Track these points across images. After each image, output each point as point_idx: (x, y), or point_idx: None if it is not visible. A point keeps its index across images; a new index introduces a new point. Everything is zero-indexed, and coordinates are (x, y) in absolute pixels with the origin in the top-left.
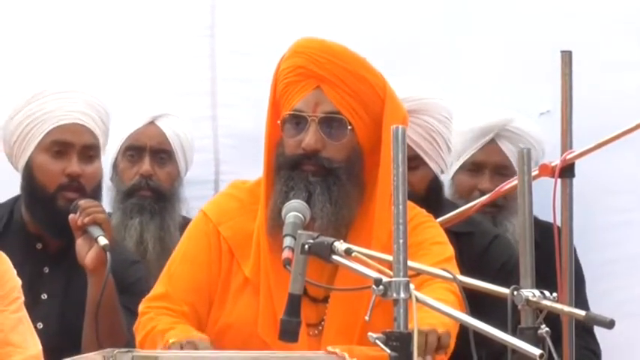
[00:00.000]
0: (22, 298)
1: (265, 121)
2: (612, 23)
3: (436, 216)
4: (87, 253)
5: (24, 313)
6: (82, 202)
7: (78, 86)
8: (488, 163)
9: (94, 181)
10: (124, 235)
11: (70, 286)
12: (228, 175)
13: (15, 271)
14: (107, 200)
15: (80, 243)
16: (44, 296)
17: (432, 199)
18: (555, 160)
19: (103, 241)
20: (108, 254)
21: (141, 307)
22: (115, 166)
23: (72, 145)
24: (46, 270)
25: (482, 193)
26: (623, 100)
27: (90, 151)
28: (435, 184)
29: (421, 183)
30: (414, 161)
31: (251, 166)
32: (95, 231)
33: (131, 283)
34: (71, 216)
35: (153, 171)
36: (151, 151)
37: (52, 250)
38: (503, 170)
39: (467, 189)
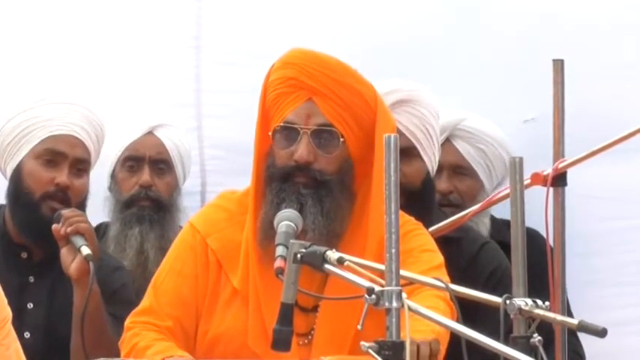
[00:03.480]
0: (11, 328)
1: (254, 132)
2: (601, 30)
3: (428, 217)
4: (71, 263)
5: (15, 344)
6: (65, 212)
7: (79, 99)
8: (445, 164)
9: (81, 195)
10: (125, 246)
11: (55, 294)
12: (215, 187)
13: (5, 300)
14: (105, 211)
15: (64, 253)
16: (30, 305)
17: (426, 196)
18: (547, 168)
19: (85, 250)
20: (91, 264)
21: (127, 322)
22: (113, 176)
23: (65, 155)
24: (32, 279)
25: (442, 194)
26: (613, 108)
27: (80, 165)
28: (429, 181)
29: (416, 176)
30: (410, 152)
31: (237, 177)
32: (78, 241)
33: (115, 289)
34: (54, 226)
35: (152, 181)
36: (150, 161)
37: (36, 260)
38: (459, 170)
39: None
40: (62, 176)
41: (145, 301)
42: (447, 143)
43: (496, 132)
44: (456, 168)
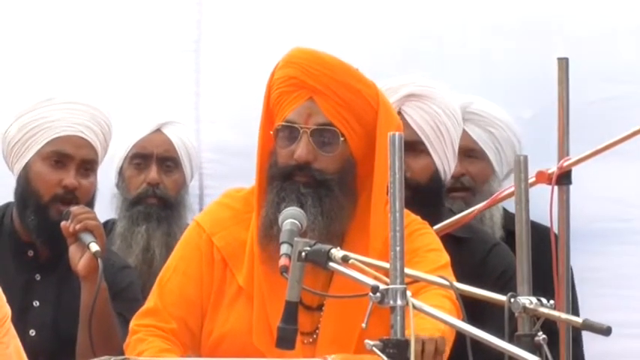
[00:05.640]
0: (10, 326)
1: (258, 130)
2: (604, 29)
3: (435, 216)
4: (79, 260)
5: (15, 341)
6: (74, 209)
7: (85, 99)
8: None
9: (89, 195)
10: (131, 242)
11: (62, 292)
12: (213, 190)
13: (4, 298)
14: (113, 208)
15: (73, 250)
16: (36, 303)
17: (434, 193)
18: (552, 166)
19: (94, 247)
20: (100, 261)
21: (131, 325)
22: (120, 173)
23: (71, 157)
24: (38, 277)
25: (454, 178)
26: (616, 106)
27: (87, 165)
28: (437, 178)
29: (423, 172)
30: (417, 146)
31: (235, 181)
32: (87, 238)
33: (122, 288)
34: (63, 223)
35: (160, 179)
36: (158, 158)
37: (43, 258)
38: (470, 153)
39: None
40: (69, 178)
41: (150, 302)
42: None
43: (503, 115)
44: (467, 151)
